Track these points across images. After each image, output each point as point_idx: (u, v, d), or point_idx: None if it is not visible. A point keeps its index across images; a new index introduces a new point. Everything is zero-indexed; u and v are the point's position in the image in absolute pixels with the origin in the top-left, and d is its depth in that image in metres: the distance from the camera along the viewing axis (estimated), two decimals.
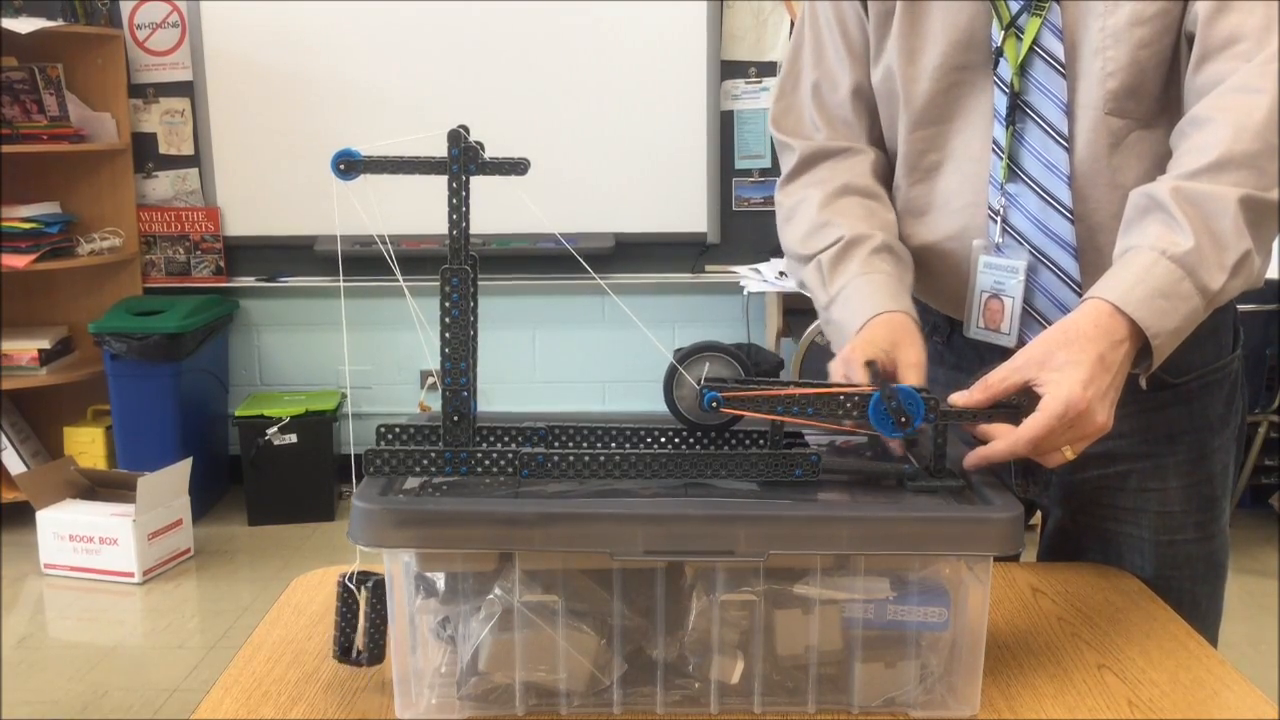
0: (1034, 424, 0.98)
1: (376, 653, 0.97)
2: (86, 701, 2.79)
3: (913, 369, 1.10)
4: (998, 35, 1.18)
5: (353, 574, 0.95)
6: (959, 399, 1.01)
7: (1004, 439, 0.99)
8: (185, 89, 4.12)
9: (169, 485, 3.60)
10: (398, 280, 0.97)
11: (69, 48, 3.97)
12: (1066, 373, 0.98)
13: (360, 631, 0.96)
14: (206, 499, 4.05)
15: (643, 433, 1.03)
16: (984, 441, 1.02)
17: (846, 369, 1.09)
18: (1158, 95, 1.15)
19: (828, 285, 1.22)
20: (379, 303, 4.01)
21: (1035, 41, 1.16)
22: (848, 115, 1.30)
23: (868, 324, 1.15)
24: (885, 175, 1.31)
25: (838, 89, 1.30)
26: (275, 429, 3.92)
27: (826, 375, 1.12)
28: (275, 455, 3.94)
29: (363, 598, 0.95)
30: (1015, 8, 1.17)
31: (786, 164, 1.33)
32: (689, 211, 4.15)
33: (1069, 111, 1.16)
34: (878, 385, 0.99)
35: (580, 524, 0.88)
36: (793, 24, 1.35)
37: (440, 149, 0.92)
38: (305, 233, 4.06)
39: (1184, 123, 1.11)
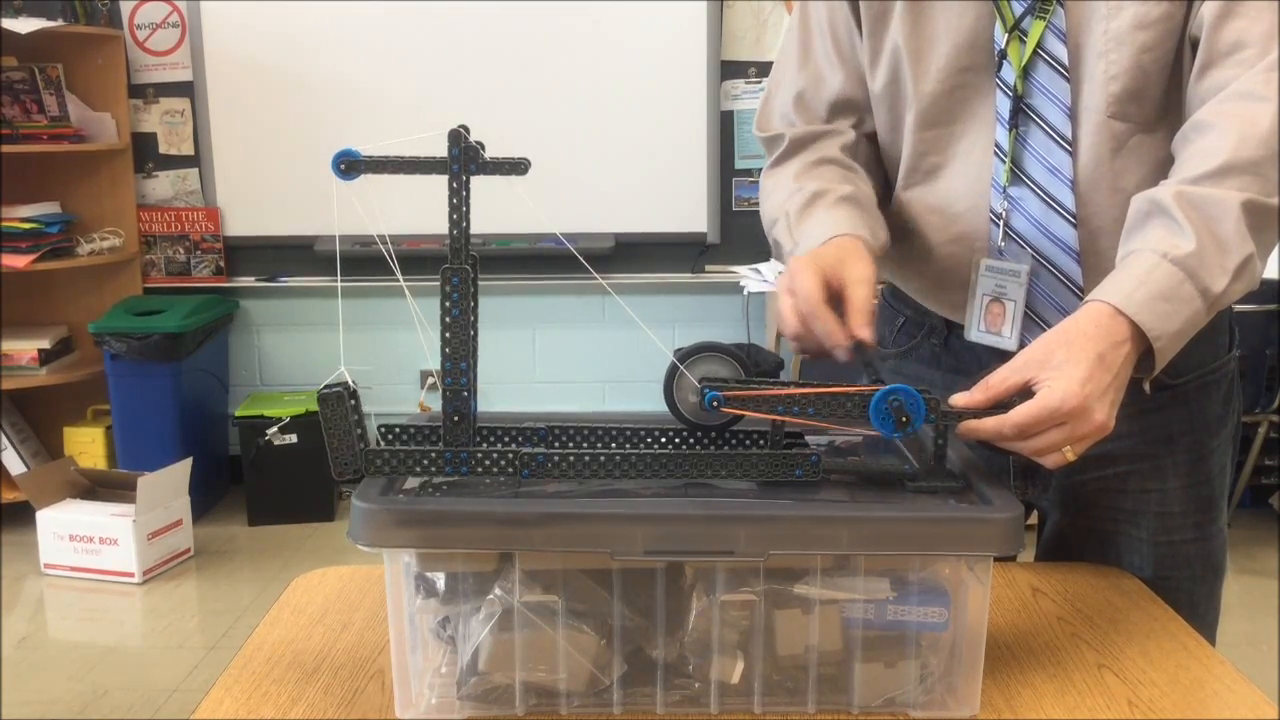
0: (1024, 410, 0.98)
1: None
2: (86, 701, 2.79)
3: (859, 284, 1.08)
4: (1001, 38, 1.18)
5: (331, 385, 0.93)
6: (960, 400, 1.01)
7: (994, 418, 0.99)
8: (185, 89, 4.12)
9: (169, 485, 3.60)
10: (398, 280, 0.97)
11: (69, 48, 3.97)
12: (1065, 370, 0.98)
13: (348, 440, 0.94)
14: (206, 499, 4.05)
15: (643, 433, 1.03)
16: (977, 441, 1.02)
17: (790, 279, 1.09)
18: (1160, 99, 1.15)
19: (793, 232, 1.22)
20: (379, 303, 4.01)
21: (1039, 45, 1.16)
22: (827, 119, 1.30)
23: (820, 246, 1.15)
24: (867, 157, 1.31)
25: (821, 93, 1.30)
26: (275, 429, 3.92)
27: (826, 374, 1.12)
28: (275, 455, 3.94)
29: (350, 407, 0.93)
30: (1019, 10, 1.16)
31: (774, 152, 1.33)
32: (689, 211, 4.15)
33: (1072, 115, 1.16)
34: (872, 376, 0.99)
35: (580, 524, 0.88)
36: None
37: (440, 149, 0.92)
38: (305, 233, 4.06)
39: (1187, 128, 1.11)
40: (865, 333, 1.06)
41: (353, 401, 0.94)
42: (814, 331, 1.07)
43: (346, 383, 0.93)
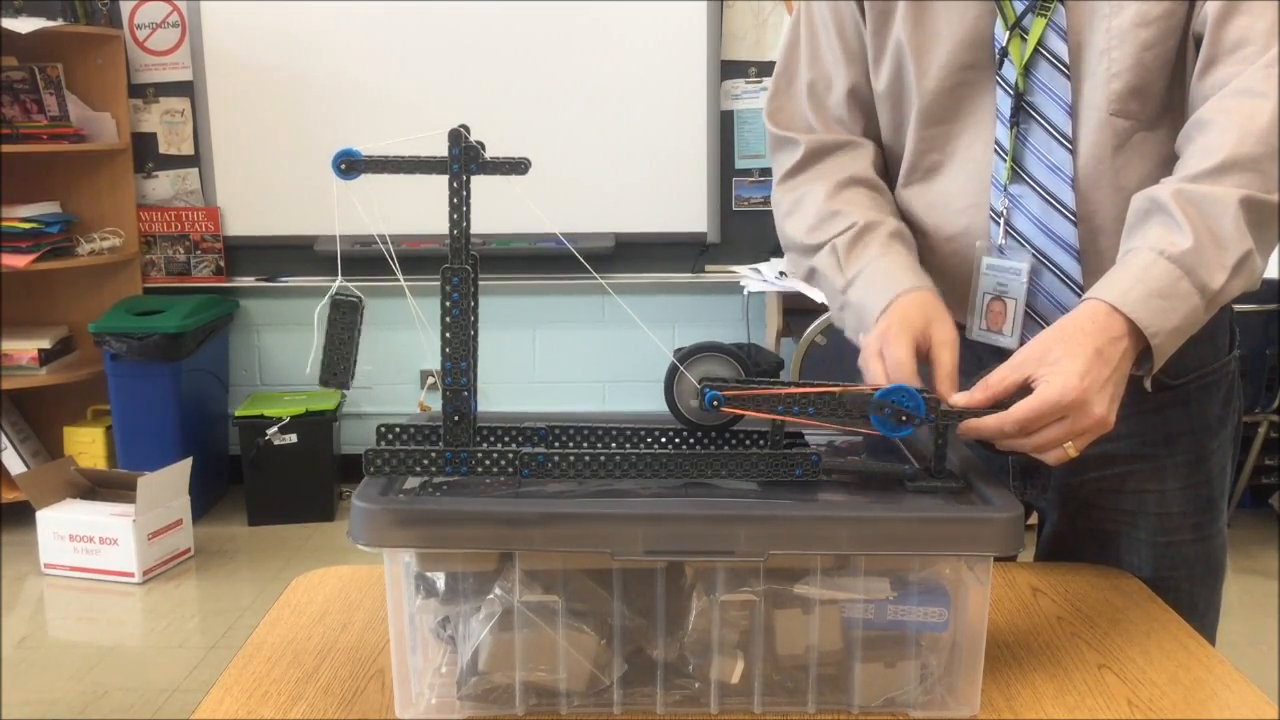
0: (1024, 405, 0.98)
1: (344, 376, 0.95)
2: (86, 701, 2.79)
3: (947, 346, 1.09)
4: (1002, 36, 1.18)
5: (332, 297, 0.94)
6: (960, 399, 1.01)
7: (995, 415, 0.99)
8: (185, 89, 4.12)
9: (169, 485, 3.60)
10: (398, 280, 0.97)
11: (69, 48, 3.97)
12: (1063, 365, 0.99)
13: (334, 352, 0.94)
14: (206, 499, 4.05)
15: (643, 433, 1.03)
16: (977, 441, 1.02)
17: (882, 344, 1.09)
18: (1162, 96, 1.15)
19: (844, 269, 1.21)
20: (379, 303, 3.97)
21: (1040, 43, 1.16)
22: (843, 115, 1.30)
23: (895, 301, 1.14)
24: (885, 171, 1.31)
25: (833, 89, 1.30)
26: (275, 429, 3.91)
27: (835, 371, 1.12)
28: (275, 455, 3.94)
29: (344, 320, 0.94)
30: (1020, 8, 1.16)
31: (787, 159, 1.31)
32: (689, 211, 4.15)
33: (1073, 113, 1.16)
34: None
35: (580, 524, 0.88)
36: None
37: (440, 149, 0.92)
38: (305, 233, 4.06)
39: (1189, 125, 1.11)
40: (953, 399, 1.04)
41: (358, 314, 0.94)
42: None
43: (353, 298, 0.93)
